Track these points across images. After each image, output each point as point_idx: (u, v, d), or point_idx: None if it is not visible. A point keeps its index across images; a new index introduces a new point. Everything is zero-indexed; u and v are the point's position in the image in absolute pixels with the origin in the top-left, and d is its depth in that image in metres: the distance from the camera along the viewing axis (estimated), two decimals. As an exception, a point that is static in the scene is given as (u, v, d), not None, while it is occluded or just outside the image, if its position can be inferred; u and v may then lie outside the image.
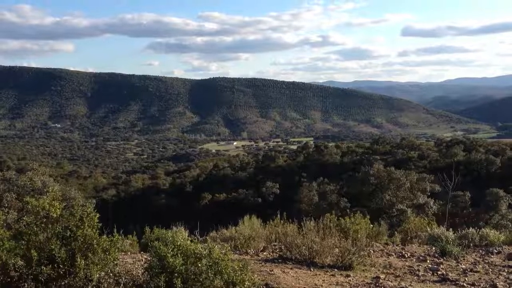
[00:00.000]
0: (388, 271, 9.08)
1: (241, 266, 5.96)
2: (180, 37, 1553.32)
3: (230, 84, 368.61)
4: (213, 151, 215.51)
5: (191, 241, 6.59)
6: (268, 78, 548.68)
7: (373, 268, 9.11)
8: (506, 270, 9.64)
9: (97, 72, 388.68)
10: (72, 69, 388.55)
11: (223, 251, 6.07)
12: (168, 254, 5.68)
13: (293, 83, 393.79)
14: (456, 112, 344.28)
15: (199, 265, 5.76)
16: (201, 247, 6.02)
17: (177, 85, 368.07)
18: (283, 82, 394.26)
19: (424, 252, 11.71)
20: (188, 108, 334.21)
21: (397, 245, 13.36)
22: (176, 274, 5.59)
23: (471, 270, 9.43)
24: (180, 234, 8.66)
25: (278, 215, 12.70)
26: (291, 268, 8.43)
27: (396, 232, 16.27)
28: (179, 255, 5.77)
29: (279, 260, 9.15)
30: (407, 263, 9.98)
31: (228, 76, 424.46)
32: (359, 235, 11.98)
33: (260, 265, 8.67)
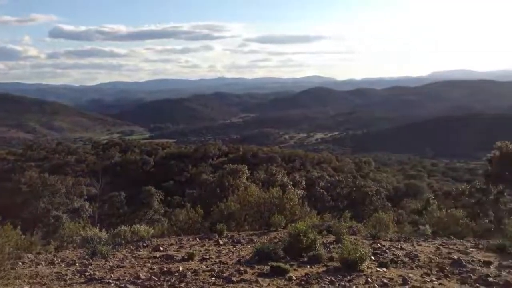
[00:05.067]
0: (35, 281, 8.70)
1: None
2: None
3: None
4: None
5: None
6: None
7: (18, 281, 8.56)
8: (151, 261, 10.37)
9: None
10: None
11: None
12: None
13: None
14: (112, 115, 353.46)
15: None
16: None
17: None
18: None
19: (76, 256, 11.61)
20: None
21: (50, 253, 12.89)
22: None
23: (118, 266, 9.81)
24: None
25: None
26: None
27: (52, 240, 15.77)
28: None
29: None
30: (55, 270, 9.73)
31: None
32: (4, 249, 11.12)
33: None
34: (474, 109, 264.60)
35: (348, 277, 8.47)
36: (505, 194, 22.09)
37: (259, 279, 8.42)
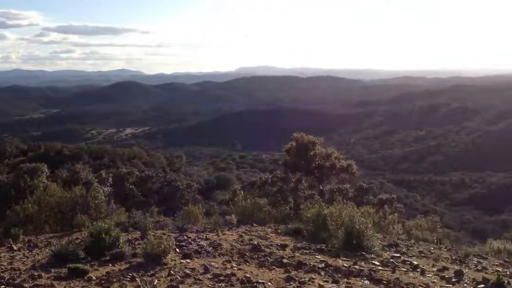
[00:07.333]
0: None
1: None
2: None
3: None
4: None
5: None
6: None
7: None
8: None
9: None
10: None
11: None
12: None
13: None
14: None
15: None
16: None
17: None
18: None
19: None
20: None
21: None
22: None
23: None
24: None
25: None
26: None
27: None
28: None
29: None
30: None
31: None
32: None
33: None
34: (279, 103, 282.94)
35: (151, 271, 8.33)
36: (303, 181, 24.02)
37: (55, 282, 7.83)
